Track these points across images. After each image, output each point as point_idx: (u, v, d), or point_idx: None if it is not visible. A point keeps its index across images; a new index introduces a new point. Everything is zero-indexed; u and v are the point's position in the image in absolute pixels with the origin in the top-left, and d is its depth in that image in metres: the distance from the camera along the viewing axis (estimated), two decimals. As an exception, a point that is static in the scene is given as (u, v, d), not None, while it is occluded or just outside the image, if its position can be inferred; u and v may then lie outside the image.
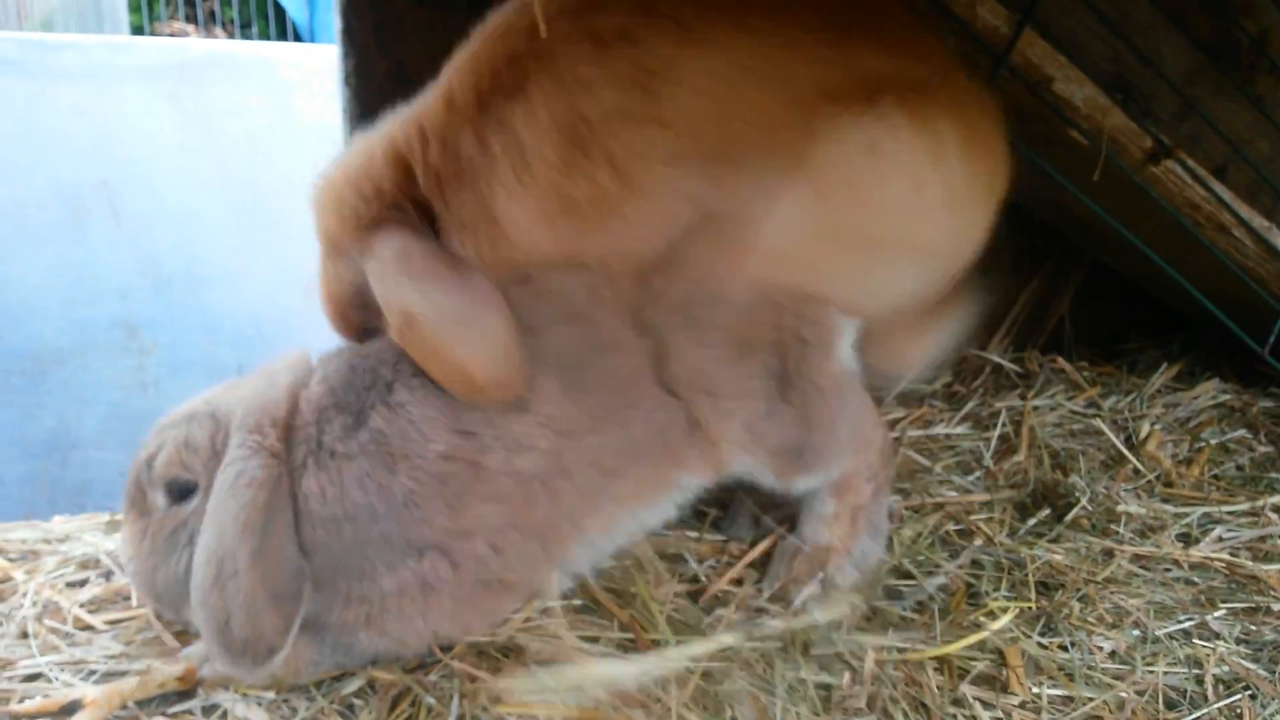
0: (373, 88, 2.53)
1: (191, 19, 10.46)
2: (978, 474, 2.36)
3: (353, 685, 1.55)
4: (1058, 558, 1.96)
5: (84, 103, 3.42)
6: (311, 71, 3.97)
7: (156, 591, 1.60)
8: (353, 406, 1.61)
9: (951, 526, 2.09)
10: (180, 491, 1.56)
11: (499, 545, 1.63)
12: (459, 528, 1.60)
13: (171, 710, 1.49)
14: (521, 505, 1.64)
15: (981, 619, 1.76)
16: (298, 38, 10.16)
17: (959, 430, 2.57)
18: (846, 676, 1.59)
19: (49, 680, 1.55)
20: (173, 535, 1.56)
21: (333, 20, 2.58)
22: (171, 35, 10.06)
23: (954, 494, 2.23)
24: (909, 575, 1.91)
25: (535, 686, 1.51)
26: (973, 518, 2.11)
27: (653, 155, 1.50)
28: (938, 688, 1.58)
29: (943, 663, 1.65)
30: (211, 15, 10.65)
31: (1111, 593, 1.87)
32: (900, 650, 1.66)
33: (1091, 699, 1.57)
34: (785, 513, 1.94)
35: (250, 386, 1.65)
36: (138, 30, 10.13)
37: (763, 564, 1.91)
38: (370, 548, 1.55)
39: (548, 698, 1.50)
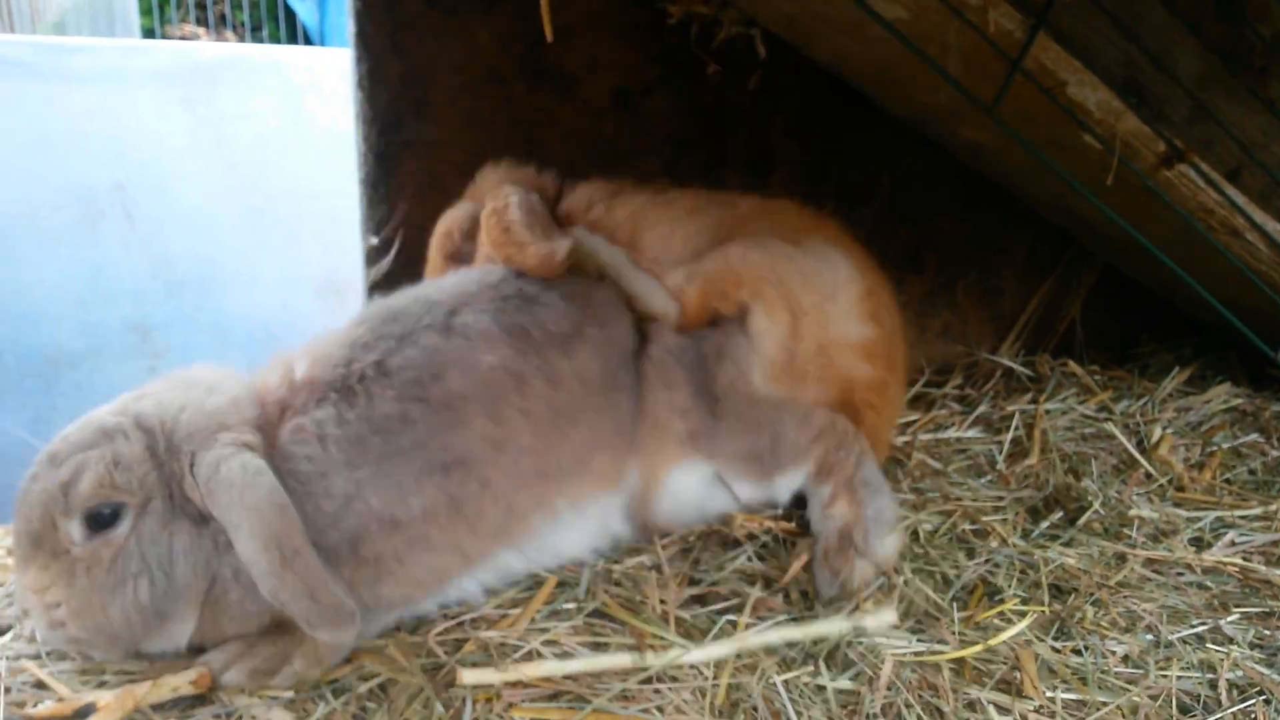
0: (386, 91, 2.54)
1: (202, 22, 10.47)
2: (990, 477, 2.36)
3: (365, 686, 1.56)
4: (1070, 561, 1.96)
5: (97, 106, 3.43)
6: (321, 74, 3.97)
7: (110, 630, 1.50)
8: (397, 334, 1.68)
9: (967, 526, 2.09)
10: (101, 519, 1.48)
11: (522, 469, 1.70)
12: (497, 437, 1.66)
13: (188, 715, 1.49)
14: (543, 436, 1.72)
15: (996, 621, 1.76)
16: (308, 41, 10.19)
17: (970, 434, 2.57)
18: (865, 682, 1.59)
19: (60, 685, 1.55)
20: (115, 565, 1.48)
21: (344, 23, 2.58)
22: (183, 38, 10.09)
23: (967, 495, 2.23)
24: (933, 566, 1.93)
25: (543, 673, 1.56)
26: (986, 519, 2.11)
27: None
28: (952, 690, 1.58)
29: (959, 665, 1.65)
30: (222, 18, 10.68)
31: (1124, 597, 1.86)
32: (917, 654, 1.66)
33: (1105, 703, 1.57)
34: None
35: (175, 394, 1.59)
36: (149, 33, 10.15)
37: (775, 569, 1.91)
38: (401, 459, 1.59)
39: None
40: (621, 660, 1.61)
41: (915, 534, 2.05)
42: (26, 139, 3.33)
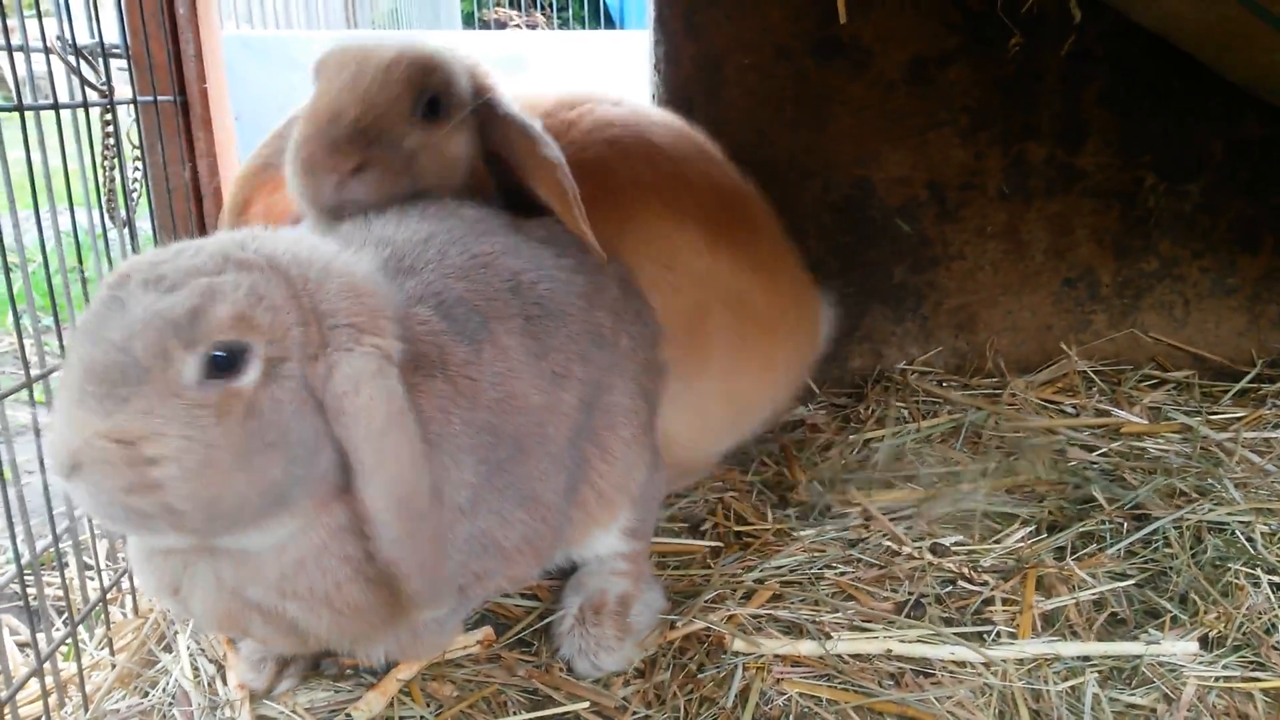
0: (680, 73, 2.61)
1: (515, 5, 11.18)
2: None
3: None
4: None
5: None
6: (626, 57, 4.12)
7: (223, 504, 1.15)
8: (468, 334, 1.39)
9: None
10: (225, 362, 1.13)
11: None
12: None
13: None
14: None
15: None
16: (610, 24, 10.60)
17: (1304, 436, 2.29)
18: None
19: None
20: (250, 423, 1.14)
21: (645, 6, 2.67)
22: (497, 21, 10.82)
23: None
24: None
25: None
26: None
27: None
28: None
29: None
30: (533, 2, 11.34)
31: None
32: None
33: None
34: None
35: (302, 247, 1.26)
36: (468, 18, 10.99)
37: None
38: (500, 477, 1.39)
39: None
40: (896, 647, 1.60)
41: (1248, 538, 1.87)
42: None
